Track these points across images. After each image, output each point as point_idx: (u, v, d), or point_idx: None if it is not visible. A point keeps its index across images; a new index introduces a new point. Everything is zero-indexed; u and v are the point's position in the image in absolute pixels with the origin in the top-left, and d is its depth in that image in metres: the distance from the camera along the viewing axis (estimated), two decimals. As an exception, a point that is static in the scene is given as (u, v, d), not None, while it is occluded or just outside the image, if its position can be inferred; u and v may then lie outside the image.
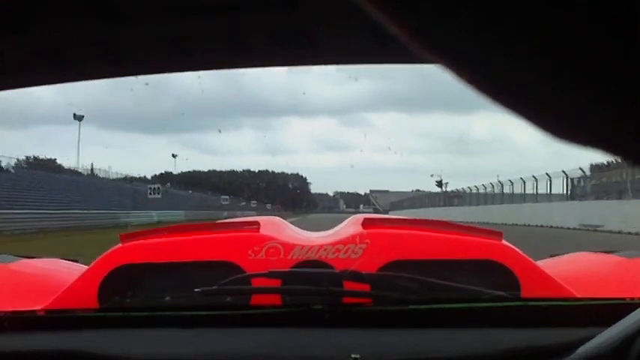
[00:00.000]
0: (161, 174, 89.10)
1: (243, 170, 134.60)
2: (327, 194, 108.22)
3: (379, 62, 1.01)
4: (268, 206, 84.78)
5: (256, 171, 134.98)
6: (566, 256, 1.98)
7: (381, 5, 0.26)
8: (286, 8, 0.82)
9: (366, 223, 1.51)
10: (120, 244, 1.51)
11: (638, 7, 0.24)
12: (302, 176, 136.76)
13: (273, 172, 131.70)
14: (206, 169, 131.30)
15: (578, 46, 0.25)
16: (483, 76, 0.28)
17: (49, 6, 0.82)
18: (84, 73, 1.05)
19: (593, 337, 1.04)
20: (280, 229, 1.64)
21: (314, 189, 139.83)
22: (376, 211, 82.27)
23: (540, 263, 1.57)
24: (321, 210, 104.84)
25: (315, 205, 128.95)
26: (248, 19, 0.86)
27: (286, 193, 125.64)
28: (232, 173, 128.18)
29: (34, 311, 1.32)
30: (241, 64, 1.03)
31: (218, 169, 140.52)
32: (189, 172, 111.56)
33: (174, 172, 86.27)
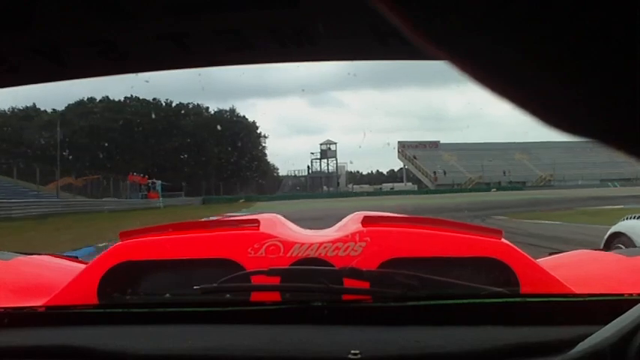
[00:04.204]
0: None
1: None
2: (297, 176, 75.68)
3: (379, 59, 1.02)
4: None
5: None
6: (565, 254, 1.99)
7: None
8: (286, 5, 0.83)
9: (366, 221, 1.52)
10: (120, 242, 1.51)
11: (638, 2, 0.24)
12: (250, 122, 73.91)
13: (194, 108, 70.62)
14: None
15: (581, 38, 0.25)
16: (486, 70, 0.28)
17: (49, 4, 0.82)
18: (85, 70, 1.05)
19: (592, 333, 1.05)
20: (280, 226, 1.64)
21: (283, 170, 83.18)
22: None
23: (539, 261, 1.58)
24: (289, 191, 66.79)
25: (277, 182, 76.92)
26: (248, 16, 0.86)
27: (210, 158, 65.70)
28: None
29: (34, 307, 1.32)
30: (242, 61, 1.03)
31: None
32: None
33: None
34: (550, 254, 2.03)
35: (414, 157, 77.31)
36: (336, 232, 1.58)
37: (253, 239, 1.45)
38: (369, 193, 61.51)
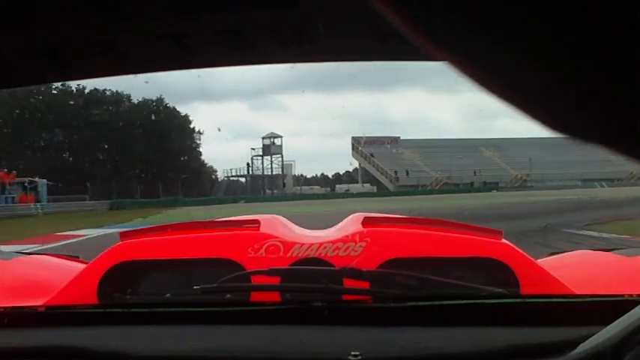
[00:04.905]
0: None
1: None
2: (235, 176, 63.28)
3: (379, 59, 1.02)
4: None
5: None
6: (566, 254, 1.98)
7: None
8: (286, 5, 0.83)
9: (366, 222, 1.52)
10: (120, 242, 1.51)
11: (638, 2, 0.24)
12: (182, 115, 63.10)
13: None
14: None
15: (581, 39, 0.25)
16: (486, 71, 0.28)
17: (49, 4, 0.82)
18: (84, 70, 1.05)
19: (593, 334, 1.04)
20: (280, 227, 1.64)
21: (223, 174, 69.01)
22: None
23: (540, 261, 1.57)
24: (225, 194, 55.51)
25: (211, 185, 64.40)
26: (248, 16, 0.86)
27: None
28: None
29: (34, 307, 1.32)
30: (242, 61, 1.03)
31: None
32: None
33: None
34: (551, 254, 2.03)
35: (371, 155, 67.67)
36: (336, 233, 1.58)
37: (253, 239, 1.45)
38: (319, 196, 52.15)
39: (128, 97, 59.57)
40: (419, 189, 58.83)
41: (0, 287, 1.53)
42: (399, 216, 1.82)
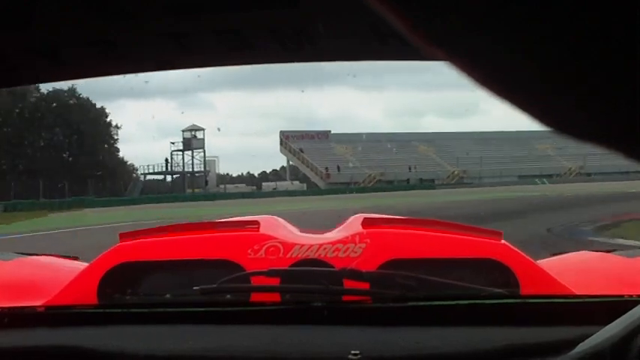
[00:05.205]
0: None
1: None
2: (151, 173, 55.72)
3: (379, 59, 1.02)
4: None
5: None
6: (565, 255, 1.98)
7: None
8: (286, 5, 0.83)
9: (366, 223, 1.52)
10: (120, 243, 1.51)
11: (638, 2, 0.24)
12: (98, 107, 55.86)
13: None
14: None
15: (581, 39, 0.25)
16: (486, 71, 0.28)
17: (49, 4, 0.83)
18: (85, 70, 1.05)
19: (592, 334, 1.05)
20: (280, 228, 1.65)
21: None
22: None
23: (540, 262, 1.57)
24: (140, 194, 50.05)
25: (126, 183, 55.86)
26: (248, 16, 0.86)
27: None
28: None
29: (34, 307, 1.32)
30: (242, 61, 1.03)
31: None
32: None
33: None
34: (551, 255, 2.03)
35: (301, 151, 61.83)
36: (335, 234, 1.58)
37: (253, 240, 1.45)
38: (244, 195, 47.54)
39: (37, 87, 49.92)
40: (352, 186, 53.60)
41: (0, 287, 1.53)
42: (398, 217, 1.82)
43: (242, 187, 57.96)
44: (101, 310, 1.34)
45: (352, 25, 0.88)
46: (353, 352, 1.07)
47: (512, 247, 1.48)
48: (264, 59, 1.02)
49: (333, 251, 1.42)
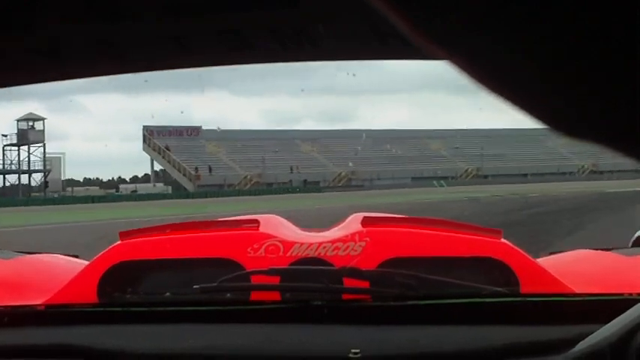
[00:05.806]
0: None
1: None
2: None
3: (379, 58, 1.02)
4: None
5: None
6: (565, 254, 1.99)
7: None
8: (286, 5, 0.83)
9: (366, 221, 1.52)
10: (120, 241, 1.52)
11: (638, 2, 0.24)
12: None
13: None
14: None
15: (581, 38, 0.25)
16: (486, 70, 0.28)
17: (49, 4, 0.82)
18: (85, 70, 1.05)
19: (591, 333, 1.05)
20: (280, 226, 1.65)
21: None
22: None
23: (539, 260, 1.58)
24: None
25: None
26: (248, 16, 0.86)
27: None
28: None
29: (34, 306, 1.33)
30: (242, 61, 1.03)
31: None
32: None
33: None
34: (550, 254, 2.03)
35: (167, 149, 54.55)
36: (335, 232, 1.58)
37: (253, 239, 1.45)
38: (94, 199, 41.51)
39: None
40: (225, 189, 49.05)
41: (0, 286, 1.53)
42: (398, 216, 1.83)
43: (94, 190, 51.40)
44: (101, 309, 1.34)
45: (352, 25, 0.88)
46: (353, 350, 1.07)
47: (512, 245, 1.48)
48: (264, 59, 1.02)
49: (333, 250, 1.42)
